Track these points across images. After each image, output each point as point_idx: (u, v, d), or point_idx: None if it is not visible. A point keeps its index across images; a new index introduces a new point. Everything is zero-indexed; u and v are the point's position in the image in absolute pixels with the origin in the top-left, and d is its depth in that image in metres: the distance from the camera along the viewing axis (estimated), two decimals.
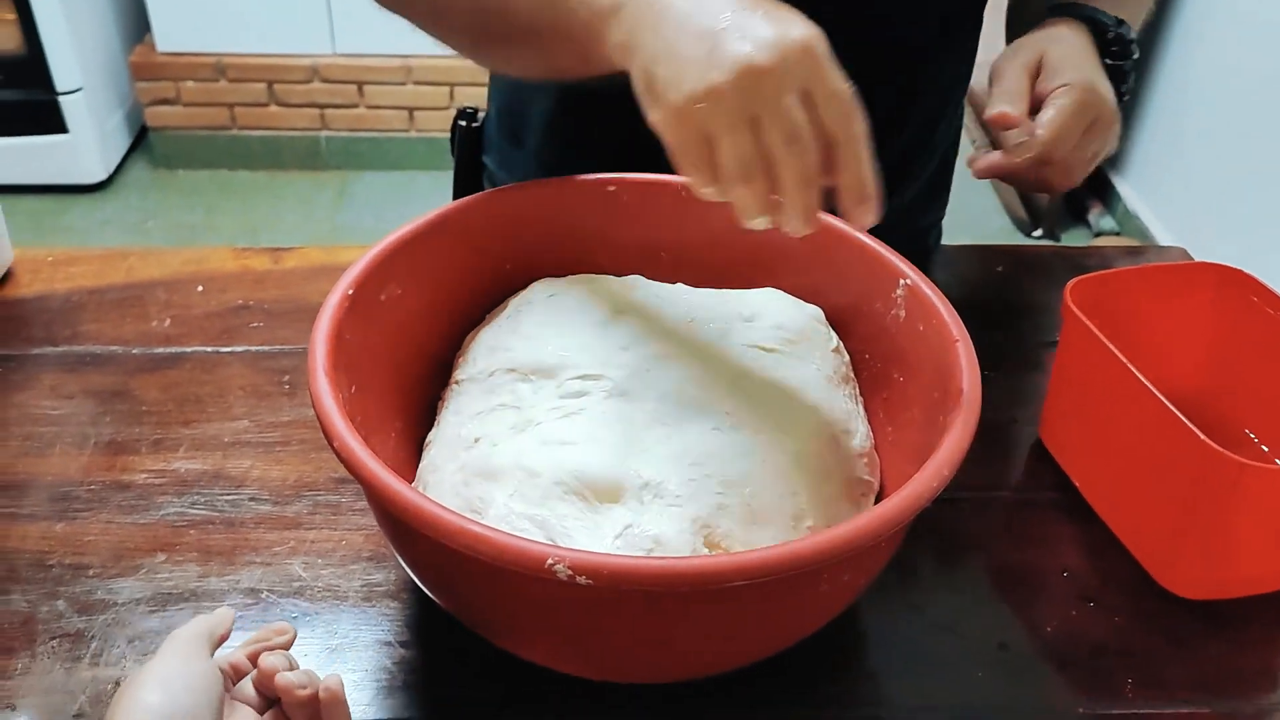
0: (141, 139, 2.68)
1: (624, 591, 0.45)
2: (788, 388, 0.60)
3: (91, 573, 0.61)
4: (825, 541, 0.45)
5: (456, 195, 0.90)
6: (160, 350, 0.77)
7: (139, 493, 0.66)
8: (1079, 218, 2.59)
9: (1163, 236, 2.36)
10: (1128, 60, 0.75)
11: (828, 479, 0.57)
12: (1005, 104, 0.70)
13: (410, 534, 0.50)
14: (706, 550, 0.52)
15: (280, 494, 0.66)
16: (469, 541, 0.45)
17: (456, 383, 0.63)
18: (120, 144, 2.60)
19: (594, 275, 0.66)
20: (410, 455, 0.62)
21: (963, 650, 0.59)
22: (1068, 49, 0.72)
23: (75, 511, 0.65)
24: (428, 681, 0.57)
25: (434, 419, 0.63)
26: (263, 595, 0.60)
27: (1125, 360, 0.61)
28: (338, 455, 0.49)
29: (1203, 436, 0.56)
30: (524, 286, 0.66)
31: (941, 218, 0.94)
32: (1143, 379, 0.60)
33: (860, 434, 0.60)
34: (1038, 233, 2.54)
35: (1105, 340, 0.62)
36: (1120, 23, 0.75)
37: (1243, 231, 2.08)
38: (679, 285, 0.66)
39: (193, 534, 0.63)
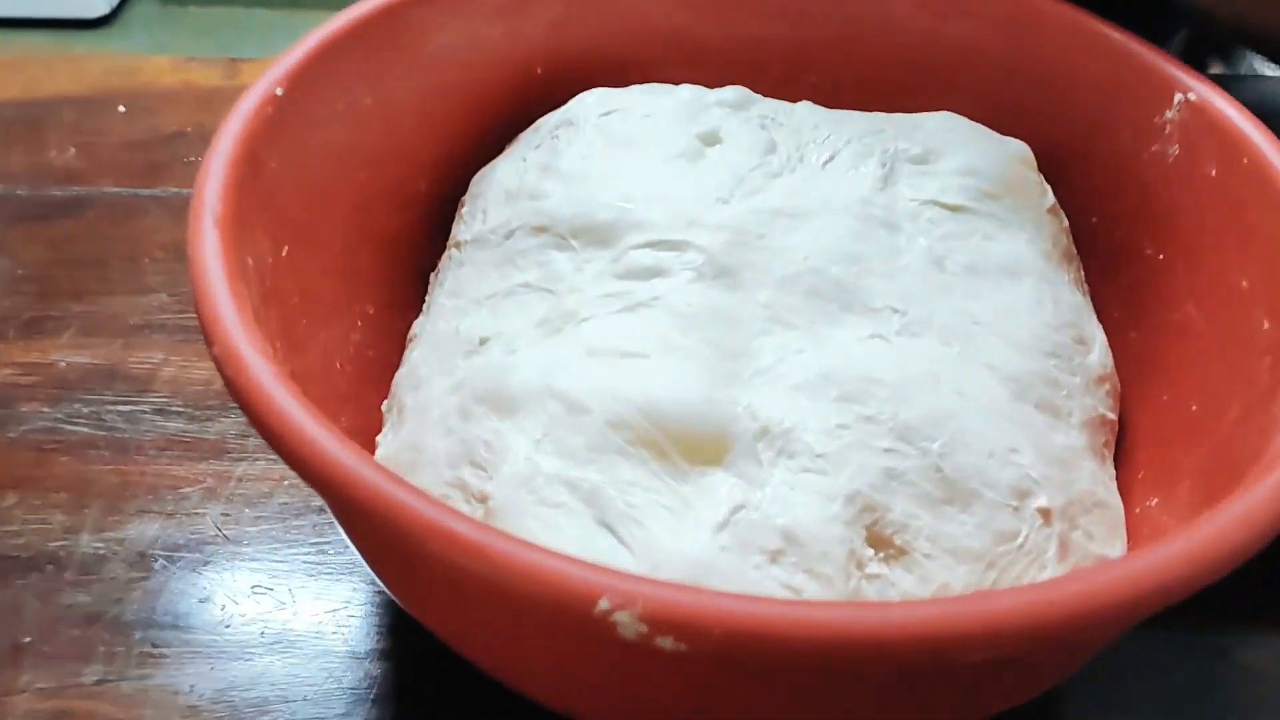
0: None
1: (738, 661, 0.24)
2: (988, 269, 0.37)
3: None
4: (1165, 567, 0.23)
5: None
6: (57, 192, 0.55)
7: None
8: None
9: None
10: None
11: (1060, 421, 0.34)
12: None
13: (357, 526, 0.29)
14: (870, 550, 0.30)
15: (200, 404, 0.45)
16: (452, 554, 0.23)
17: (457, 246, 0.40)
18: None
19: (672, 85, 0.43)
20: (386, 356, 0.40)
21: (1244, 705, 0.38)
22: None
23: None
24: (405, 712, 0.36)
25: (423, 300, 0.41)
26: (156, 564, 0.39)
27: None
28: (221, 374, 0.27)
29: None
30: (565, 100, 0.43)
31: None
32: None
33: (1099, 345, 0.38)
34: None
35: None
36: None
37: None
38: (804, 104, 0.43)
39: (65, 462, 0.43)
